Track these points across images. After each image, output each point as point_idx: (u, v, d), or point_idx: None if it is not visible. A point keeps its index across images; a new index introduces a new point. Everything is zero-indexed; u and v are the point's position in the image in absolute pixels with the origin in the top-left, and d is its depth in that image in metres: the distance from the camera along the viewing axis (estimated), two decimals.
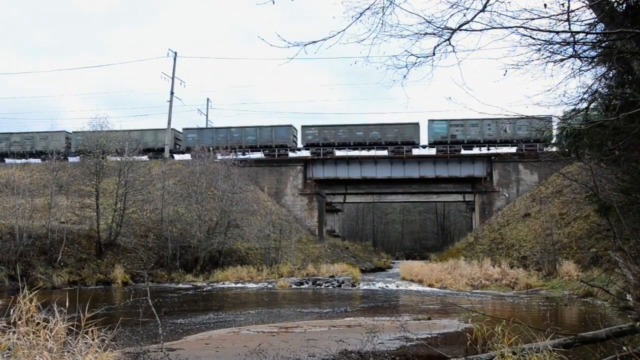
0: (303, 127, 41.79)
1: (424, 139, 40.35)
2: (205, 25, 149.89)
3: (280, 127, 42.21)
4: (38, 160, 44.11)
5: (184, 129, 44.67)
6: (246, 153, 42.45)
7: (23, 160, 44.29)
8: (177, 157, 44.45)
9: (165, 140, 44.00)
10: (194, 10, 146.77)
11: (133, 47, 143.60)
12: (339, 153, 41.32)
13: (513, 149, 39.01)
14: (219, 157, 38.38)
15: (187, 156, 42.31)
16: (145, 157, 40.66)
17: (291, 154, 42.04)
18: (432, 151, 40.25)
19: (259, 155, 42.34)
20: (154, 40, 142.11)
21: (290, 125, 42.42)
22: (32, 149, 44.90)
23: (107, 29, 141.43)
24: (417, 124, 40.40)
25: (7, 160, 45.14)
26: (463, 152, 39.81)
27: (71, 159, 42.20)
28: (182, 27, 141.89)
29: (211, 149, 40.12)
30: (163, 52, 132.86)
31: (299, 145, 42.33)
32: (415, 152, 40.53)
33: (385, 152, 40.67)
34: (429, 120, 39.58)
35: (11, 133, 46.24)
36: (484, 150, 39.57)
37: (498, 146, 39.18)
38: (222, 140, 42.55)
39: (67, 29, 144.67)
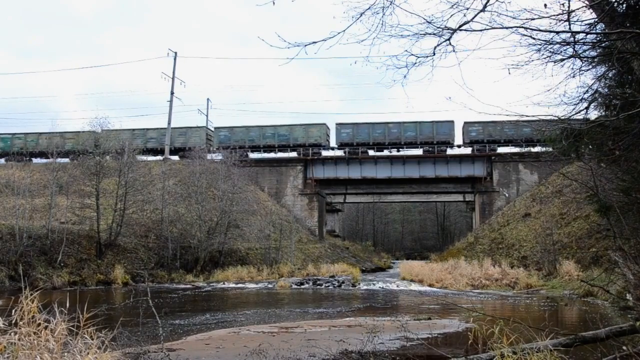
0: (466, 123, 40.24)
1: None
2: (205, 26, 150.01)
3: (442, 123, 40.40)
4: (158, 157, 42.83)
5: (337, 124, 41.95)
6: (401, 150, 41.15)
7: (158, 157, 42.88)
8: (325, 152, 42.12)
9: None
10: (193, 10, 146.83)
11: (132, 47, 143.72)
12: (501, 150, 39.64)
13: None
14: (371, 152, 39.74)
15: (340, 152, 41.17)
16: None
17: (450, 151, 40.58)
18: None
19: (417, 152, 40.60)
20: (154, 40, 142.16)
21: (452, 121, 40.81)
22: (171, 144, 43.65)
23: (106, 30, 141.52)
24: None
25: (150, 158, 43.41)
26: (463, 151, 39.87)
27: (210, 156, 41.29)
28: (181, 28, 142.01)
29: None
30: (163, 53, 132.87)
31: (459, 142, 40.92)
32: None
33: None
34: None
35: (148, 129, 45.09)
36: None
37: None
38: (379, 136, 40.98)
39: (66, 31, 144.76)
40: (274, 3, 6.03)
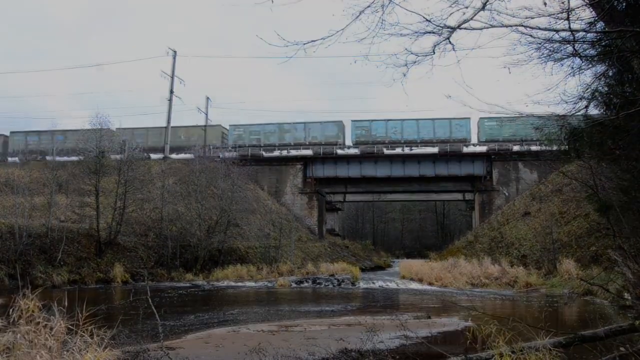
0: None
1: None
2: (203, 25, 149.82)
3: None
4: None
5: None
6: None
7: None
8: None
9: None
10: (191, 10, 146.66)
11: (132, 48, 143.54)
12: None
13: None
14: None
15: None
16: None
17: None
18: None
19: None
20: (153, 41, 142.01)
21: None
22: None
23: (107, 30, 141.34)
24: None
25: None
26: (463, 150, 39.78)
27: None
28: (179, 27, 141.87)
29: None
30: (161, 53, 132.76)
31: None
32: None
33: None
34: None
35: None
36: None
37: None
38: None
39: (67, 32, 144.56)
40: (272, 1, 6.02)
